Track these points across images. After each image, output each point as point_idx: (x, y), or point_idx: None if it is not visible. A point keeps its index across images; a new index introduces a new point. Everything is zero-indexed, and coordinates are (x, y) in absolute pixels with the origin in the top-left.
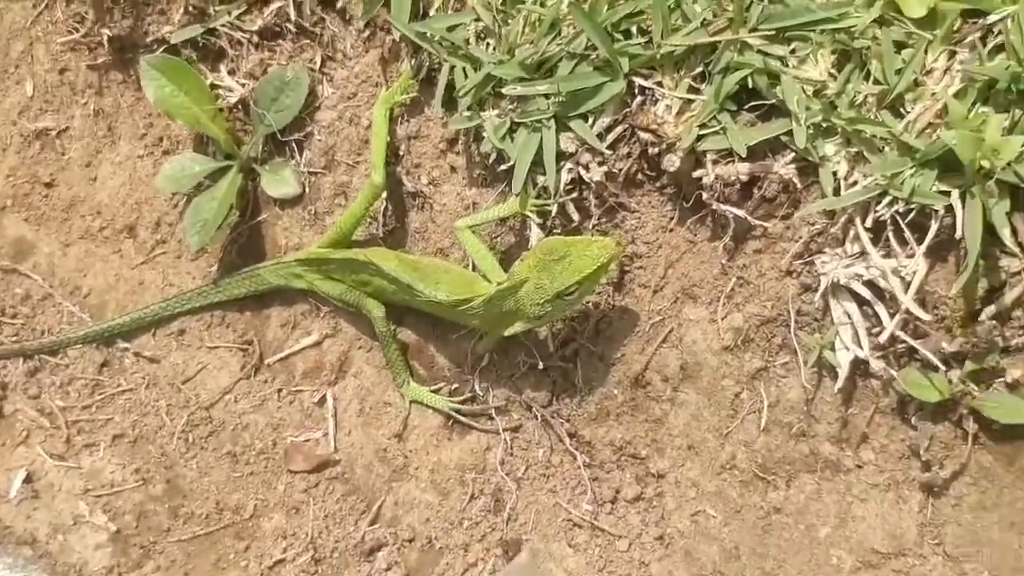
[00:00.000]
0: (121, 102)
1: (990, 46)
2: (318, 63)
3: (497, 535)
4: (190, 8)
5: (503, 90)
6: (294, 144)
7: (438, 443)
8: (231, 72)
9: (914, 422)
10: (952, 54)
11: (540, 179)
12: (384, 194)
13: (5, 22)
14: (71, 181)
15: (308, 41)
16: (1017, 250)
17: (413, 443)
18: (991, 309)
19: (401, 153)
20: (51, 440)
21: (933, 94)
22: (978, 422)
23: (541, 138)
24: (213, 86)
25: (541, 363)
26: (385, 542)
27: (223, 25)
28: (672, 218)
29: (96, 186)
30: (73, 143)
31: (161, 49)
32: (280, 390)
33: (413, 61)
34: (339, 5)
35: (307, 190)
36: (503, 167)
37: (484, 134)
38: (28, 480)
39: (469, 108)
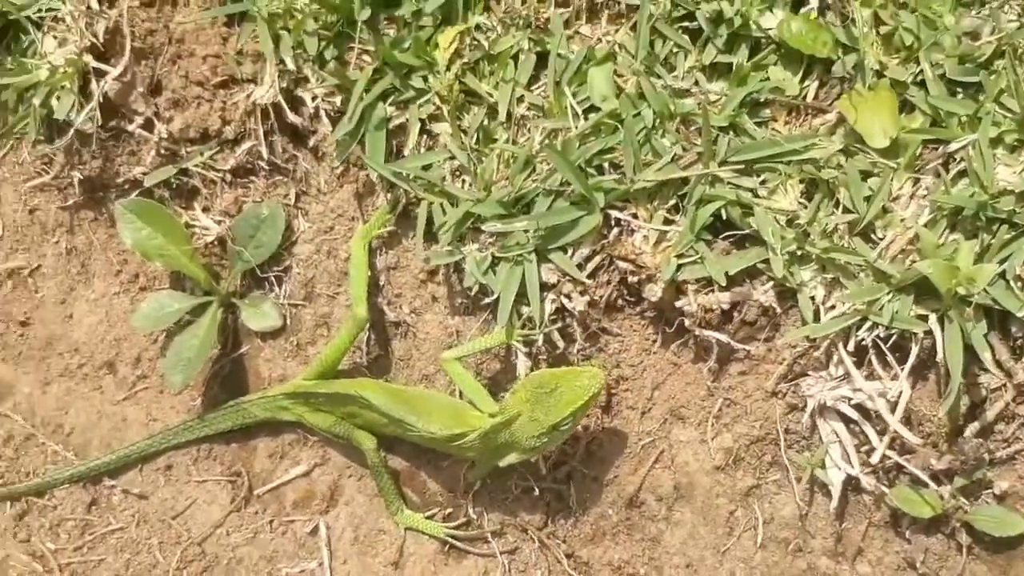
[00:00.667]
0: (94, 239)
1: (952, 172)
2: (292, 198)
3: None
4: (162, 150)
5: (483, 227)
6: (273, 278)
7: (436, 569)
8: (205, 210)
9: (908, 536)
10: (916, 180)
11: (524, 310)
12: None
13: None
14: (46, 319)
15: (281, 177)
16: (996, 369)
17: (410, 570)
18: (975, 426)
19: (381, 284)
20: None
21: (902, 221)
22: (971, 535)
23: (523, 272)
24: (188, 224)
25: (535, 486)
26: None
27: (196, 165)
28: (655, 340)
29: (72, 324)
30: (46, 281)
31: (135, 192)
32: (272, 521)
33: (389, 196)
34: (311, 143)
35: (288, 322)
36: (486, 300)
37: (466, 268)
38: None
39: (449, 244)
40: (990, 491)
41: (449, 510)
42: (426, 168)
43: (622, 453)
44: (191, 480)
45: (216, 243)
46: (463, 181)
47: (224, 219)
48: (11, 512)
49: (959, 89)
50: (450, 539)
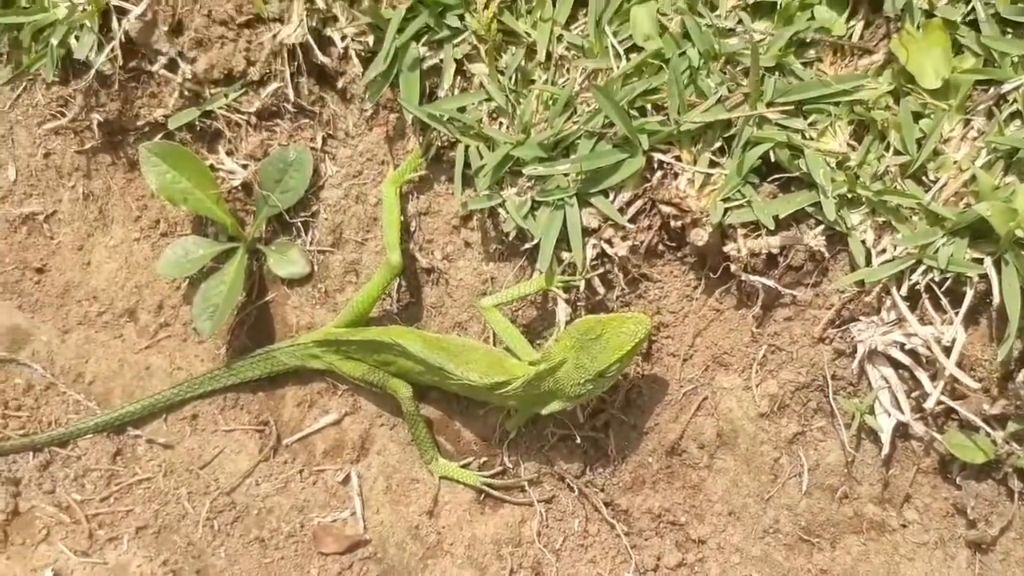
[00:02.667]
0: (112, 184)
1: (1005, 113)
2: (319, 142)
3: None
4: (185, 92)
5: (524, 171)
6: (300, 224)
7: (471, 518)
8: (229, 153)
9: (958, 481)
10: (967, 122)
11: (564, 255)
12: None
13: None
14: (63, 266)
15: (308, 120)
16: None
17: (445, 519)
18: None
19: (413, 229)
20: (73, 536)
21: (955, 163)
22: (1023, 480)
23: (564, 216)
24: (212, 168)
25: (573, 434)
26: None
27: (220, 107)
28: (696, 286)
29: (91, 270)
30: (63, 227)
31: (158, 135)
32: (302, 471)
33: (421, 139)
34: (339, 85)
35: (316, 268)
36: (523, 246)
37: (505, 213)
38: None
39: (487, 188)
40: None
41: (484, 459)
42: (462, 110)
43: (663, 401)
44: (218, 429)
45: (241, 188)
46: (500, 123)
47: (249, 163)
48: (35, 463)
49: (1011, 29)
50: (486, 488)
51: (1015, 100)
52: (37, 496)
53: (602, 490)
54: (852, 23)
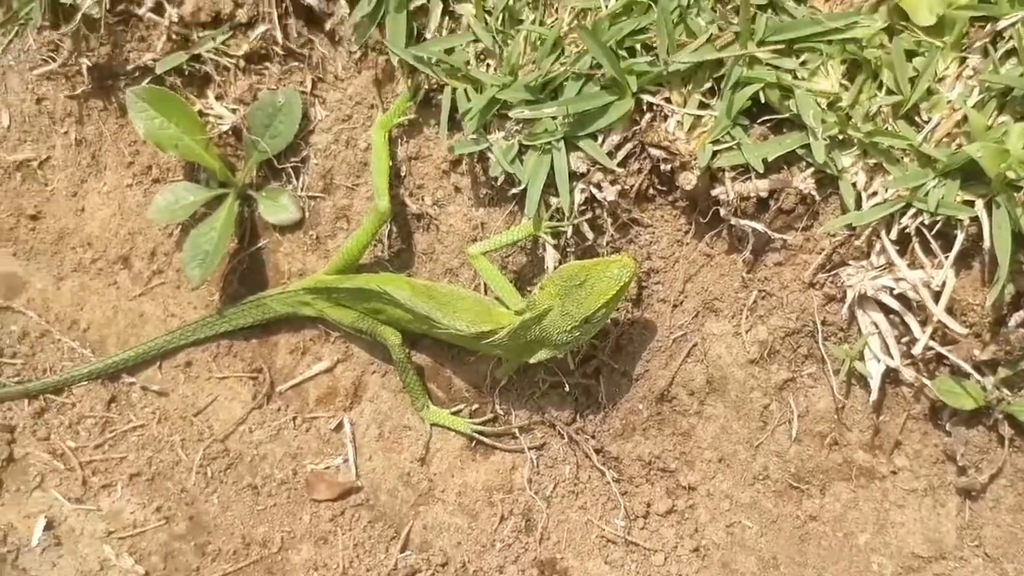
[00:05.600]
0: (104, 130)
1: (1000, 51)
2: (309, 86)
3: (531, 555)
4: (172, 36)
5: (510, 113)
6: (290, 169)
7: (462, 465)
8: (219, 98)
9: (948, 428)
10: (963, 60)
11: (552, 200)
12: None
13: None
14: (57, 213)
15: (297, 64)
16: None
17: (436, 466)
18: (1020, 315)
19: (403, 175)
20: (67, 483)
21: (949, 103)
22: (1013, 426)
23: (552, 160)
24: (201, 113)
25: (563, 381)
26: (419, 568)
27: (208, 51)
28: (687, 231)
29: (84, 217)
30: (56, 174)
31: (147, 80)
32: (295, 418)
33: (409, 83)
34: (327, 27)
35: (307, 215)
36: (512, 191)
37: (492, 157)
38: (49, 527)
39: (474, 132)
40: None
41: (475, 406)
42: (449, 52)
43: (653, 347)
44: (212, 377)
45: (231, 133)
46: (488, 65)
47: (238, 107)
48: (29, 410)
49: None
50: (477, 435)
51: (1011, 37)
52: (32, 443)
53: (592, 437)
54: None
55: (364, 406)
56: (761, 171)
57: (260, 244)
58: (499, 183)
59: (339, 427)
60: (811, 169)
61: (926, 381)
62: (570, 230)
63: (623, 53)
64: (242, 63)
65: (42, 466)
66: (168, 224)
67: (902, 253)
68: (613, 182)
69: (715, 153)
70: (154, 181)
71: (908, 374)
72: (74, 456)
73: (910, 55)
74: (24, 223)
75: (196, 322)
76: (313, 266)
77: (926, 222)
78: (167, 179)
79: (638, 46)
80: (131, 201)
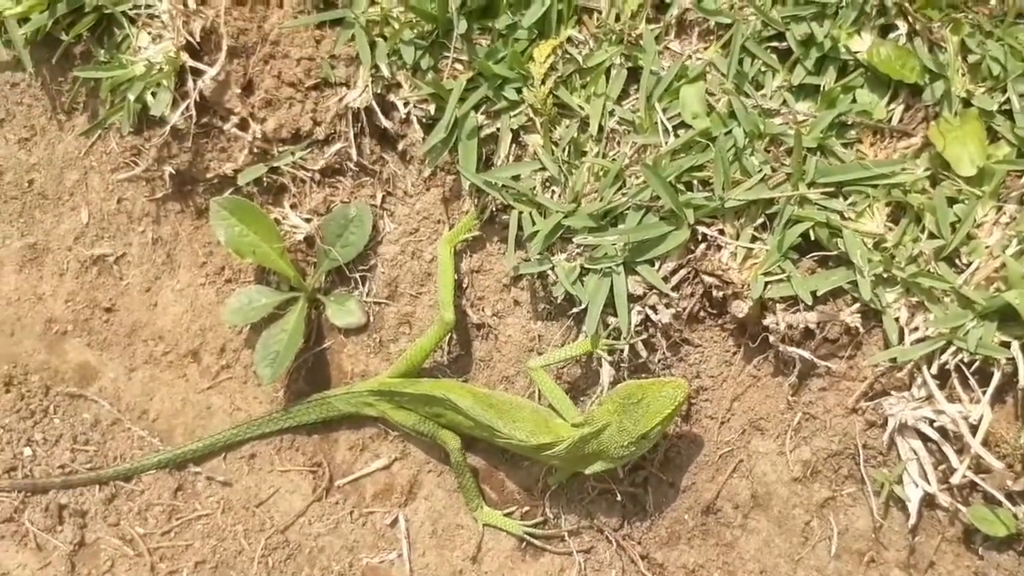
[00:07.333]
0: (180, 231)
1: None
2: (379, 199)
3: None
4: (254, 148)
5: (574, 239)
6: (358, 276)
7: (513, 565)
8: (293, 207)
9: (980, 552)
10: (999, 208)
11: (611, 320)
12: None
13: (58, 152)
14: (131, 306)
15: (368, 178)
16: None
17: (488, 565)
18: None
19: (465, 286)
20: (135, 568)
21: (987, 248)
22: None
23: (611, 283)
24: (277, 222)
25: (612, 489)
26: None
27: (286, 164)
28: (735, 352)
29: (157, 312)
30: (131, 269)
31: (228, 190)
32: (352, 512)
33: (476, 202)
34: (400, 147)
35: (371, 319)
36: (573, 309)
37: (554, 277)
38: None
39: (539, 253)
40: None
41: (527, 508)
42: (516, 178)
43: (700, 461)
44: (274, 469)
45: (303, 241)
46: (552, 192)
47: (312, 217)
48: (100, 496)
49: None
50: (527, 536)
51: None
52: (102, 528)
53: (639, 543)
54: (892, 107)
55: (419, 503)
56: (810, 303)
57: (325, 345)
58: (559, 301)
59: (394, 523)
60: (856, 304)
61: (961, 507)
62: (626, 348)
63: (681, 187)
64: (317, 176)
65: (112, 551)
66: (241, 325)
67: (942, 387)
68: (668, 305)
69: (766, 284)
70: (226, 281)
71: (944, 499)
72: (142, 542)
73: (951, 202)
74: (99, 315)
75: (262, 417)
76: (375, 368)
77: (965, 360)
78: (239, 280)
79: (695, 181)
80: (203, 299)
